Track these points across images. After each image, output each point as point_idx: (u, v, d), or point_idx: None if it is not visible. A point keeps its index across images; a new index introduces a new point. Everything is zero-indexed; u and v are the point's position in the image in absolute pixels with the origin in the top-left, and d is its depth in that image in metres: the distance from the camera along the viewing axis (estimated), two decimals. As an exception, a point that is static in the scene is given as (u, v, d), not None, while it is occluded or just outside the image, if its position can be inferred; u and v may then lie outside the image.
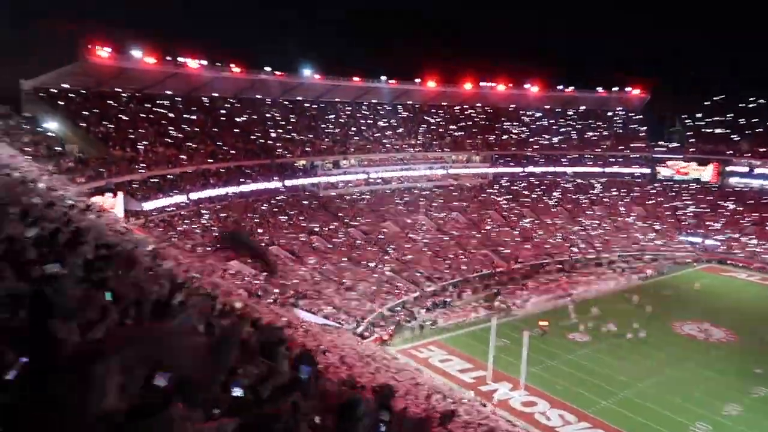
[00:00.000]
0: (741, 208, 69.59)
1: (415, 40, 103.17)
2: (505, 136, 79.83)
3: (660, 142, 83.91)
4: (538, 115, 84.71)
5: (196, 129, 56.54)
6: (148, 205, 44.46)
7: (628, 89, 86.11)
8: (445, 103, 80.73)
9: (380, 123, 74.09)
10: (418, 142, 73.17)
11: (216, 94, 62.53)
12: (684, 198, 74.54)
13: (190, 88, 59.50)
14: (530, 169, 77.56)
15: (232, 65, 61.25)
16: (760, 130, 75.92)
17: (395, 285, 48.65)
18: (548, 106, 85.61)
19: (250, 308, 16.82)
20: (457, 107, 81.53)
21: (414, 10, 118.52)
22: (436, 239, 59.37)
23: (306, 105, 70.41)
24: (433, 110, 79.50)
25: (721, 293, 51.15)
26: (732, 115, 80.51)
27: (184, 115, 57.46)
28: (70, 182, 27.25)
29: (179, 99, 58.65)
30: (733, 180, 74.85)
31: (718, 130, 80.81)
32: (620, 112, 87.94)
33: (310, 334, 22.56)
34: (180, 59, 56.66)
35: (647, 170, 79.39)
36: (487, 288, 51.85)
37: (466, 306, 47.47)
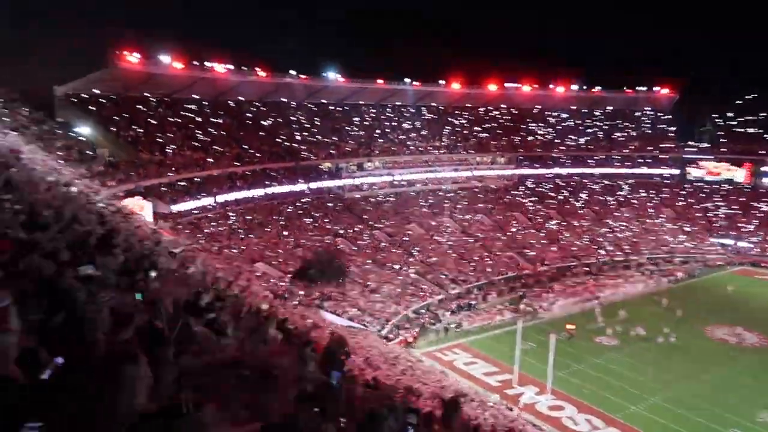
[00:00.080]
0: (775, 210, 67.84)
1: (438, 42, 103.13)
2: (530, 138, 79.09)
3: (690, 143, 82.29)
4: (564, 115, 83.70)
5: (222, 132, 57.25)
6: (176, 208, 45.15)
7: (656, 89, 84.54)
8: (469, 105, 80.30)
9: (405, 125, 74.07)
10: (443, 144, 72.94)
11: (242, 98, 63.25)
12: (715, 199, 72.91)
13: (217, 93, 60.30)
14: (556, 170, 76.68)
15: (257, 69, 61.88)
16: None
17: (420, 287, 48.54)
18: (574, 107, 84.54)
19: (276, 310, 16.94)
20: (482, 108, 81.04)
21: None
22: (460, 241, 59.07)
23: (331, 108, 70.76)
24: (457, 112, 79.17)
25: (754, 296, 49.83)
26: (765, 114, 78.48)
27: (211, 119, 58.24)
28: (101, 186, 27.82)
29: (206, 103, 59.48)
30: (767, 180, 72.94)
31: (750, 130, 78.88)
32: (648, 112, 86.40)
33: (336, 336, 22.58)
34: (207, 64, 57.47)
35: (677, 171, 77.87)
36: (513, 291, 51.41)
37: (491, 309, 47.13)
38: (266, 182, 55.74)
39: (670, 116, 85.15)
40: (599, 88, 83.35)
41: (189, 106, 57.74)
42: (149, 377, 1.62)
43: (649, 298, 48.83)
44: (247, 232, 49.37)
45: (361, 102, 73.05)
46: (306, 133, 64.55)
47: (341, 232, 54.90)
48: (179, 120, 55.26)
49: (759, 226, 65.93)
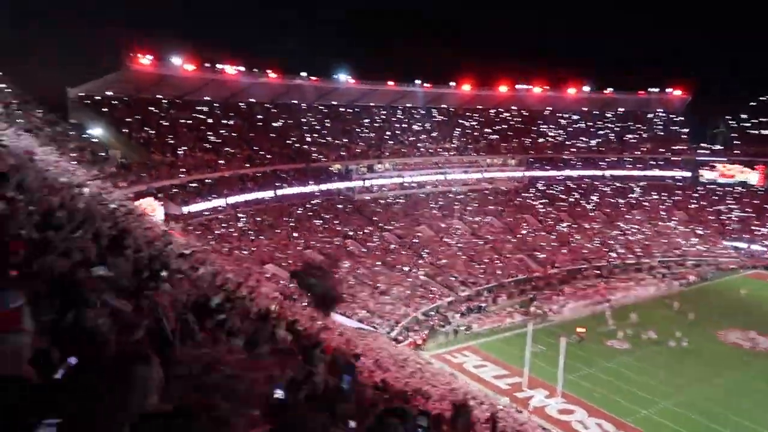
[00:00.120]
0: (790, 213, 67.08)
1: (450, 44, 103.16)
2: (541, 139, 78.79)
3: (703, 144, 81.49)
4: (575, 117, 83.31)
5: (233, 134, 57.54)
6: (188, 209, 45.43)
7: (668, 90, 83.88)
8: (480, 107, 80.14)
9: (415, 127, 74.06)
10: (453, 145, 72.84)
11: (253, 100, 63.54)
12: (728, 202, 72.21)
13: (228, 94, 60.63)
14: (567, 172, 76.29)
15: (268, 71, 62.14)
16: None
17: (429, 289, 48.48)
18: (586, 109, 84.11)
19: (285, 311, 17.01)
20: (492, 110, 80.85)
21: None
22: (470, 243, 58.94)
23: (341, 109, 70.90)
24: (467, 114, 79.05)
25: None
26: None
27: (222, 121, 58.55)
28: (114, 187, 28.06)
29: (217, 105, 59.81)
30: (781, 183, 72.18)
31: (764, 132, 78.11)
32: (661, 114, 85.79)
33: (345, 338, 22.65)
34: (218, 66, 57.80)
35: (689, 173, 77.19)
36: (523, 293, 51.21)
37: (501, 311, 46.99)
38: (276, 184, 55.94)
39: (683, 118, 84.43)
40: (611, 89, 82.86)
41: (200, 108, 58.08)
42: (161, 378, 1.64)
43: (660, 302, 48.41)
44: (257, 233, 49.57)
45: (371, 104, 73.14)
46: (316, 135, 64.72)
47: (351, 233, 54.98)
48: (190, 122, 55.60)
49: (773, 229, 65.23)
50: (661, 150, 79.09)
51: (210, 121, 57.42)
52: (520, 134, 78.18)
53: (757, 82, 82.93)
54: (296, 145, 61.64)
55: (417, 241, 57.29)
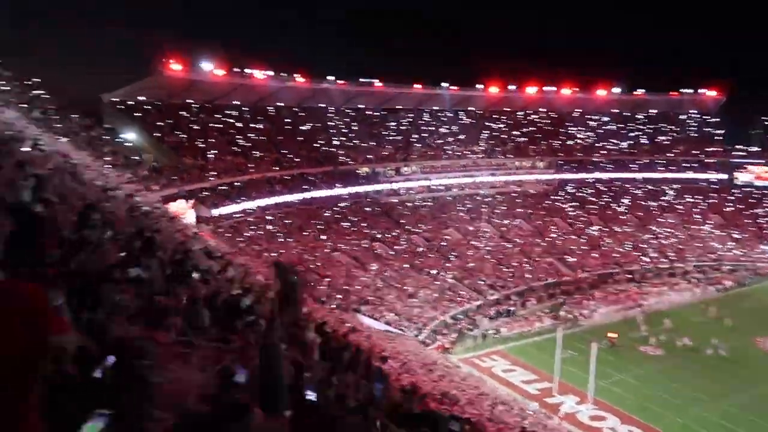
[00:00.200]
0: (831, 216, 64.85)
1: (485, 47, 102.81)
2: (570, 142, 77.70)
3: (738, 146, 79.29)
4: (605, 119, 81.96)
5: (262, 138, 58.14)
6: (217, 212, 46.03)
7: (702, 91, 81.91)
8: (507, 109, 79.45)
9: (442, 129, 73.79)
10: (481, 148, 72.34)
11: (281, 104, 64.11)
12: (765, 205, 70.15)
13: (257, 99, 61.31)
14: (597, 175, 75.04)
15: (296, 75, 62.65)
16: None
17: (457, 293, 48.18)
18: (616, 110, 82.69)
19: (314, 313, 17.06)
20: (520, 113, 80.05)
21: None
22: (499, 247, 58.42)
23: (368, 113, 71.05)
24: (495, 116, 78.42)
25: (809, 307, 47.62)
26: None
27: (251, 125, 59.22)
28: (146, 190, 28.59)
29: (246, 109, 60.52)
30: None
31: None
32: (694, 115, 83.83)
33: (373, 341, 22.63)
34: (247, 71, 58.48)
35: (724, 176, 75.17)
36: (552, 297, 50.53)
37: (530, 315, 46.42)
38: (304, 187, 56.29)
39: (717, 119, 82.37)
40: (642, 90, 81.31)
41: (229, 112, 58.85)
42: (198, 379, 1.62)
43: (695, 308, 47.21)
44: (285, 236, 49.96)
45: (398, 107, 73.10)
46: (344, 138, 64.98)
47: (378, 236, 55.00)
48: (220, 126, 56.38)
49: (813, 233, 63.15)
50: (694, 152, 77.24)
51: (239, 125, 58.14)
52: (548, 136, 77.22)
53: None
54: (324, 148, 61.97)
55: (445, 244, 57.01)
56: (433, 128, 73.59)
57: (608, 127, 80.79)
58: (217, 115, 57.35)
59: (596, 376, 30.54)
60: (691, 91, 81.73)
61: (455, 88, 73.90)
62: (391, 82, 69.69)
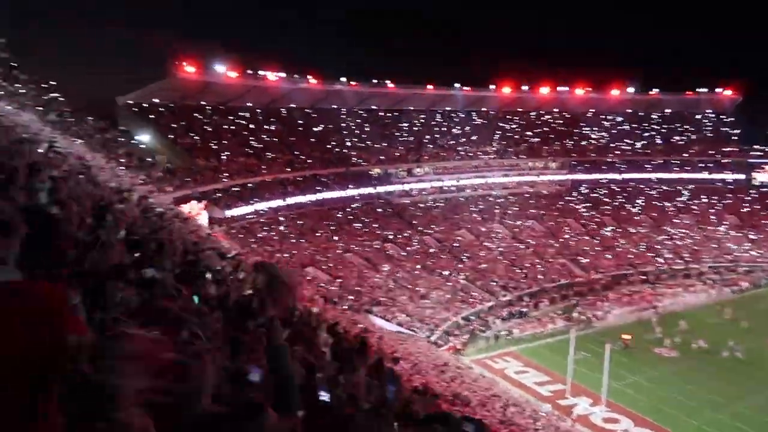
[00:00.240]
0: None
1: (489, 47, 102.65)
2: (584, 142, 77.21)
3: (756, 146, 78.22)
4: (619, 119, 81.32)
5: (274, 139, 58.43)
6: (230, 213, 46.32)
7: (718, 90, 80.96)
8: (520, 109, 79.13)
9: (454, 130, 73.66)
10: (493, 149, 72.12)
11: (293, 105, 64.37)
12: (783, 205, 69.16)
13: (269, 100, 61.62)
14: (611, 175, 74.44)
15: (309, 77, 62.87)
16: None
17: (470, 294, 48.06)
18: (630, 110, 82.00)
19: (326, 314, 17.11)
20: (533, 113, 79.70)
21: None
22: (511, 248, 58.18)
23: (380, 114, 71.12)
24: (508, 116, 78.14)
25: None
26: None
27: (264, 126, 59.55)
28: (160, 191, 28.85)
29: (259, 111, 60.86)
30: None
31: (823, 132, 74.53)
32: (710, 115, 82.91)
33: (384, 341, 22.64)
34: (260, 73, 58.77)
35: (741, 176, 74.17)
36: (565, 298, 50.22)
37: (543, 317, 46.17)
38: (317, 188, 56.48)
39: (733, 119, 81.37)
40: (656, 90, 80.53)
41: (242, 114, 59.21)
42: (215, 378, 1.64)
43: (711, 309, 46.69)
44: (298, 237, 50.15)
45: (410, 107, 73.10)
46: (356, 139, 65.11)
47: (390, 237, 55.03)
48: (233, 127, 56.74)
49: (832, 234, 62.15)
50: (710, 152, 76.33)
51: (252, 126, 58.47)
52: (562, 137, 76.78)
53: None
54: (336, 149, 62.13)
55: (457, 245, 56.89)
56: (446, 129, 73.50)
57: (622, 127, 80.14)
58: (230, 117, 57.74)
59: (610, 377, 30.30)
60: (706, 90, 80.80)
61: (468, 88, 73.74)
62: (403, 83, 69.70)
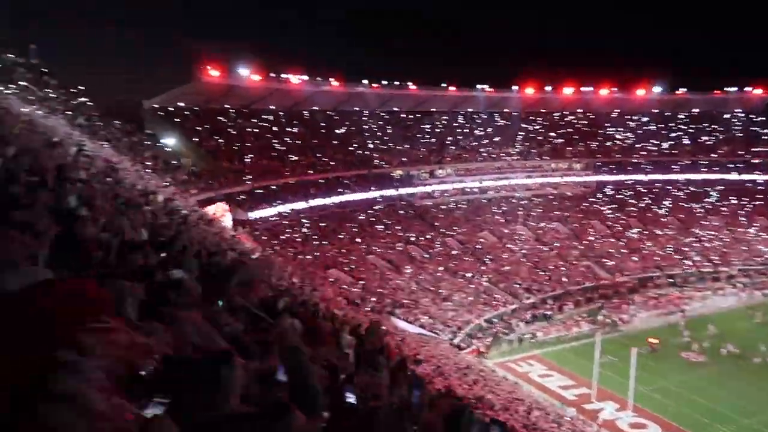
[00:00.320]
0: None
1: (512, 50, 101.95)
2: (608, 143, 76.15)
3: (788, 146, 76.30)
4: (645, 119, 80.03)
5: (297, 142, 58.78)
6: (254, 215, 46.73)
7: (747, 89, 79.17)
8: (543, 110, 78.40)
9: (477, 132, 73.28)
10: (516, 150, 71.58)
11: (316, 108, 64.72)
12: (816, 206, 67.32)
13: (292, 103, 62.06)
14: (637, 176, 73.24)
15: (331, 79, 63.12)
16: None
17: (493, 296, 47.72)
18: (656, 110, 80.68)
19: (349, 315, 17.13)
20: (557, 114, 78.87)
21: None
22: (535, 250, 57.63)
23: (402, 116, 71.12)
24: (531, 117, 77.47)
25: None
26: None
27: (287, 129, 59.97)
28: (185, 193, 29.22)
29: (282, 113, 61.33)
30: None
31: None
32: (739, 114, 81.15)
33: (406, 343, 22.58)
34: (283, 75, 59.16)
35: (772, 176, 72.44)
36: (590, 301, 49.56)
37: (567, 320, 45.64)
38: (339, 190, 56.66)
39: (764, 118, 79.46)
40: (683, 89, 79.08)
41: (266, 117, 59.73)
42: (243, 378, 1.64)
43: (741, 313, 45.66)
44: (320, 238, 50.38)
45: (432, 109, 72.96)
46: (378, 141, 65.18)
47: (413, 239, 54.95)
48: (257, 130, 57.26)
49: None
50: (739, 152, 74.65)
51: (275, 129, 58.94)
52: (586, 138, 75.84)
53: None
54: (358, 151, 62.27)
55: (480, 247, 56.56)
56: (468, 130, 73.16)
57: (648, 127, 78.84)
58: (254, 120, 58.29)
59: (636, 382, 29.80)
60: (735, 89, 79.07)
61: (491, 90, 73.27)
62: (425, 85, 69.56)
